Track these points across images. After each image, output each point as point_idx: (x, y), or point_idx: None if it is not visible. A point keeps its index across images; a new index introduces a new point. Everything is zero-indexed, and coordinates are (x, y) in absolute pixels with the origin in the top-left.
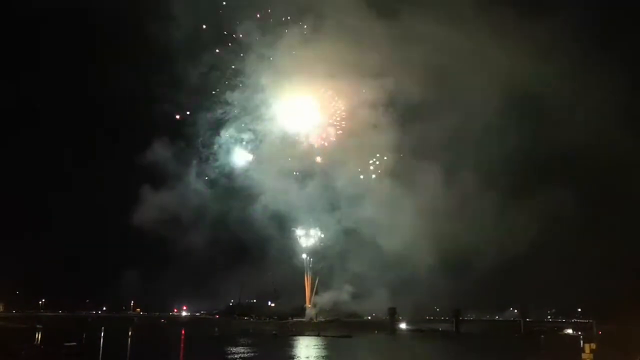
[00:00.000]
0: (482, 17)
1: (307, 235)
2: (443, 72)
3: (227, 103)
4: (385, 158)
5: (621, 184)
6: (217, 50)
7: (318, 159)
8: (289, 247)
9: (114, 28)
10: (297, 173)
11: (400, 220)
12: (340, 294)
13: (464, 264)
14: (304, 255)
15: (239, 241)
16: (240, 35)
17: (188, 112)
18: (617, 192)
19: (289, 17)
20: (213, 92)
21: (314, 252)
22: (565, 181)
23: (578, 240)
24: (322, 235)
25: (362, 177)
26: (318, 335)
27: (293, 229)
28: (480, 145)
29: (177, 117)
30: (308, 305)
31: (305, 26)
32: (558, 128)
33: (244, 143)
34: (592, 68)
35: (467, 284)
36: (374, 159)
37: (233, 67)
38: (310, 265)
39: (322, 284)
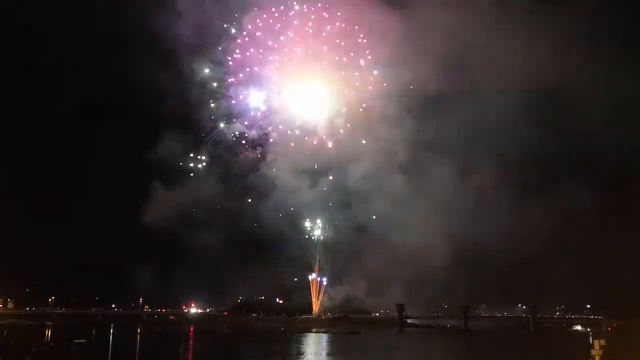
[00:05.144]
0: (499, 6)
1: (318, 231)
2: (458, 64)
3: (233, 97)
4: (398, 152)
5: (637, 180)
6: (224, 43)
7: (330, 154)
8: (300, 244)
9: (120, 24)
10: (315, 165)
11: (413, 217)
12: (352, 290)
13: (475, 260)
14: (314, 252)
15: (249, 238)
16: (249, 26)
17: (197, 108)
18: (632, 188)
19: (297, 8)
20: (220, 87)
21: (325, 249)
22: (580, 177)
23: (588, 236)
24: (334, 232)
25: (375, 172)
26: (326, 332)
27: (305, 225)
28: (495, 140)
29: (186, 112)
30: (316, 302)
31: (314, 16)
32: (576, 122)
33: (252, 139)
34: (613, 60)
35: (477, 280)
36: (388, 154)
37: (240, 60)
38: (320, 262)
39: (335, 280)
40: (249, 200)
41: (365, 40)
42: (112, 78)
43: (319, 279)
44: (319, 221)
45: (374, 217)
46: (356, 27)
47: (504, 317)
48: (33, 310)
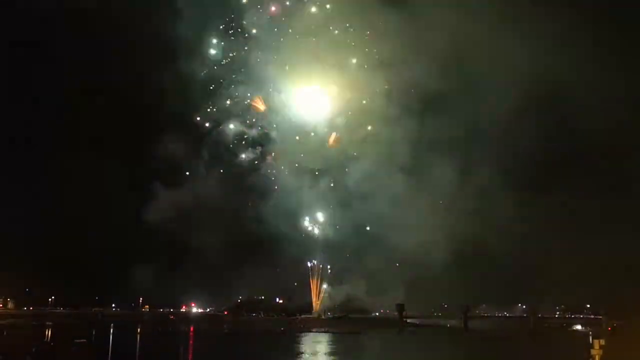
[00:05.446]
0: (500, 5)
1: (317, 231)
2: (458, 62)
3: (233, 97)
4: (399, 152)
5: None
6: (223, 43)
7: (330, 154)
8: (300, 244)
9: (120, 23)
10: (316, 168)
11: (413, 217)
12: (352, 290)
13: (475, 260)
14: (314, 251)
15: (249, 238)
16: (245, 24)
17: (197, 108)
18: (632, 188)
19: (295, 6)
20: (220, 87)
21: (325, 248)
22: (580, 177)
23: (588, 236)
24: (334, 232)
25: (375, 172)
26: (326, 331)
27: (305, 225)
28: (496, 139)
29: (186, 112)
30: (316, 301)
31: (313, 13)
32: (576, 122)
33: (251, 139)
34: (615, 59)
35: (477, 280)
36: (388, 153)
37: (239, 59)
38: (320, 261)
39: (335, 279)
40: (249, 200)
41: (369, 39)
42: (112, 77)
43: (320, 265)
44: (319, 215)
45: (374, 217)
46: (360, 24)
47: (504, 317)
48: (33, 310)
